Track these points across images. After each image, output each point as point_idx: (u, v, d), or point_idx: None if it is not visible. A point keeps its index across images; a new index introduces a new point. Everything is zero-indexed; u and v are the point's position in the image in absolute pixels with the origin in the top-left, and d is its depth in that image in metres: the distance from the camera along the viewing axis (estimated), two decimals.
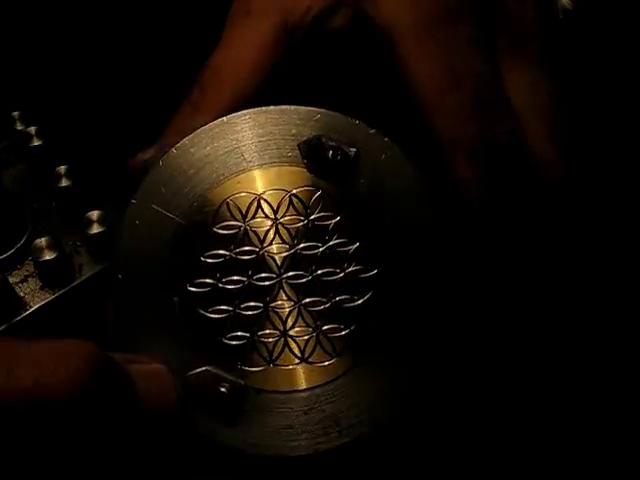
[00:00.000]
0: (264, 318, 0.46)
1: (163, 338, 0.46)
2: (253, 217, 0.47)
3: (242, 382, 0.45)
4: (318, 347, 0.46)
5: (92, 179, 0.56)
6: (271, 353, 0.46)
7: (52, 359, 0.38)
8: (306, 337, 0.46)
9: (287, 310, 0.46)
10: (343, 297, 0.46)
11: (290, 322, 0.46)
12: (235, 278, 0.46)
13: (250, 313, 0.46)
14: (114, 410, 0.40)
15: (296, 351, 0.46)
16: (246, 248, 0.47)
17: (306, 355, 0.46)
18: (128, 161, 0.51)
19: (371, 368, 0.46)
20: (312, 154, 0.47)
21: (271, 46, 0.50)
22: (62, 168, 0.52)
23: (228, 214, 0.47)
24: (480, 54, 0.45)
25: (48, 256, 0.48)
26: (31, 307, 0.50)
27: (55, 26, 0.93)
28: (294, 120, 0.48)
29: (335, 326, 0.46)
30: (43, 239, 0.49)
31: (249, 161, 0.48)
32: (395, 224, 0.47)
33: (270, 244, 0.47)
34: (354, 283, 0.47)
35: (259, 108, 0.49)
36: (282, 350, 0.46)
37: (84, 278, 0.51)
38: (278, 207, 0.47)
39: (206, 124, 0.49)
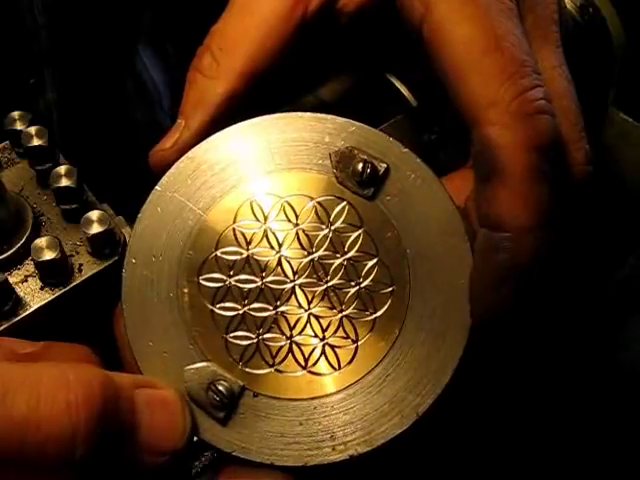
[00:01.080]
0: (272, 321, 0.46)
1: (168, 329, 0.45)
2: (275, 219, 0.47)
3: (240, 383, 0.45)
4: (322, 358, 0.45)
5: (93, 179, 0.56)
6: (274, 357, 0.45)
7: (52, 386, 0.37)
8: (311, 346, 0.45)
9: (296, 316, 0.46)
10: (354, 311, 0.46)
11: (298, 329, 0.46)
12: (248, 278, 0.46)
13: (259, 315, 0.46)
14: (114, 443, 0.39)
15: (300, 359, 0.45)
16: (263, 249, 0.46)
17: (309, 364, 0.45)
18: (150, 154, 0.49)
19: (373, 386, 0.45)
20: (343, 164, 0.47)
21: (287, 13, 0.48)
22: (62, 168, 0.52)
23: (250, 213, 0.47)
24: (516, 22, 0.45)
25: (48, 256, 0.48)
26: (31, 307, 0.50)
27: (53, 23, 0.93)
28: (328, 129, 0.48)
29: (342, 339, 0.46)
30: (43, 239, 0.49)
31: (278, 164, 0.48)
32: (418, 245, 0.46)
33: (288, 248, 0.46)
34: (367, 298, 0.46)
35: (295, 113, 0.48)
36: (286, 356, 0.45)
37: (84, 278, 0.51)
38: (301, 213, 0.47)
39: (223, 92, 0.47)
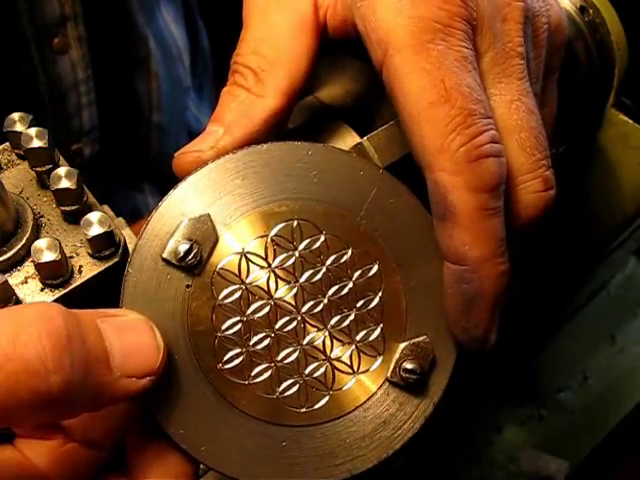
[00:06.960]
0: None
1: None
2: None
3: (190, 280, 0.46)
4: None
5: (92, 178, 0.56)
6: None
7: (10, 326, 0.38)
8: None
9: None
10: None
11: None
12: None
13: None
14: (88, 371, 0.39)
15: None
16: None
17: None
18: (177, 155, 0.50)
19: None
20: (407, 353, 0.47)
21: (310, 26, 0.51)
22: (62, 170, 0.52)
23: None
24: (469, 70, 0.47)
25: (48, 257, 0.48)
26: None
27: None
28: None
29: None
30: (43, 240, 0.49)
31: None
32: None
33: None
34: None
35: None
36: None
37: (84, 279, 0.51)
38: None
39: (271, 109, 0.49)
